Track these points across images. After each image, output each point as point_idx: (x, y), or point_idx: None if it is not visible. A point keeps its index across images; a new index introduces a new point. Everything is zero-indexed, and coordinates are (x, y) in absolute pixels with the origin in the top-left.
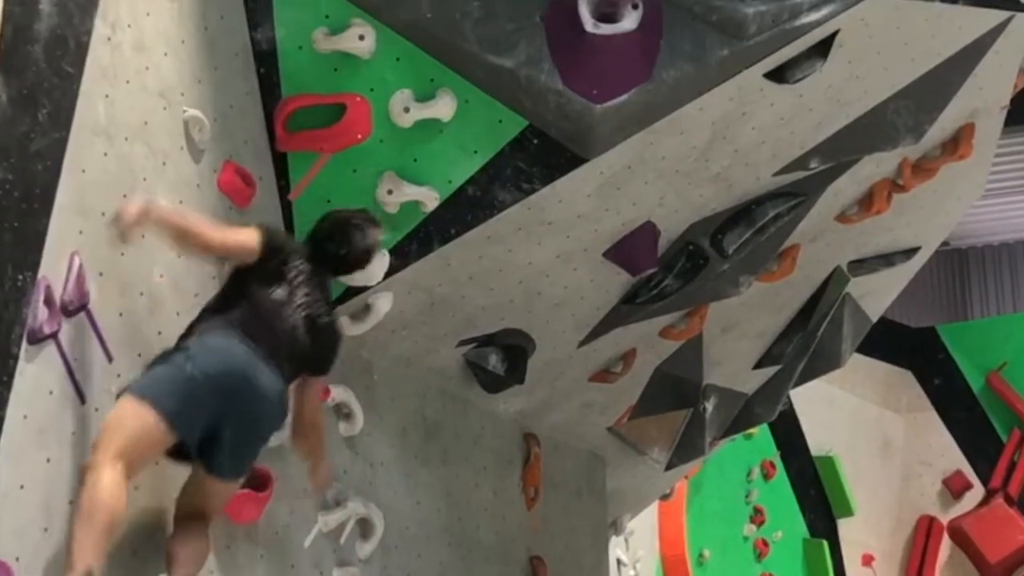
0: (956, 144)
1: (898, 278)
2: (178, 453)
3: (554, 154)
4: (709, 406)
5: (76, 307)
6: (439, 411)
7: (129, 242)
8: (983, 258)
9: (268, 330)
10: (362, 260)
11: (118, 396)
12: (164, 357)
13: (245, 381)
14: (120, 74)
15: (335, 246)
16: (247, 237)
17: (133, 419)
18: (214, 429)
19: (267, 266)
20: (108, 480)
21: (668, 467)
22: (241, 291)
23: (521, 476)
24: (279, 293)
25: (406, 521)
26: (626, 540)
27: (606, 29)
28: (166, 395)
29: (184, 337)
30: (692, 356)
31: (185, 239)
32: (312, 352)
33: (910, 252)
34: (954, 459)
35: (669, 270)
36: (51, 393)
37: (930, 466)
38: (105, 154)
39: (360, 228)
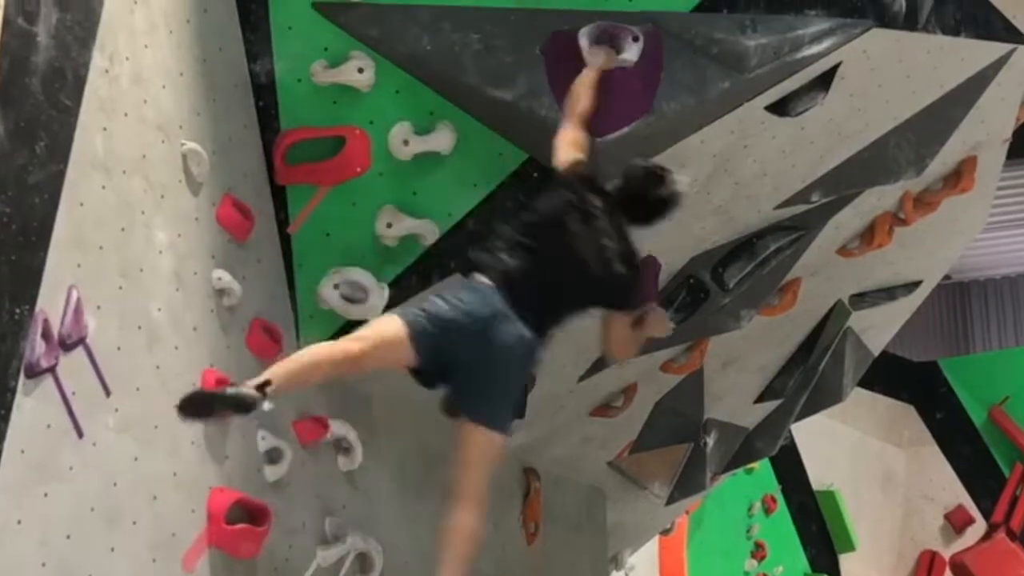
0: (958, 177)
1: (900, 312)
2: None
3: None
4: (710, 440)
5: (74, 341)
6: (439, 445)
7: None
8: (985, 292)
9: (540, 286)
10: (669, 204)
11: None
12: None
13: (479, 333)
14: (118, 107)
15: (648, 189)
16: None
17: (385, 322)
18: (449, 369)
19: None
20: (336, 347)
21: (669, 502)
22: (522, 227)
23: (521, 510)
24: (573, 229)
25: (405, 556)
26: (627, 575)
27: None
28: (418, 323)
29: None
30: (693, 390)
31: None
32: (605, 289)
33: (912, 286)
34: (956, 493)
35: (670, 303)
36: (49, 427)
37: (932, 500)
38: (103, 187)
39: (663, 176)
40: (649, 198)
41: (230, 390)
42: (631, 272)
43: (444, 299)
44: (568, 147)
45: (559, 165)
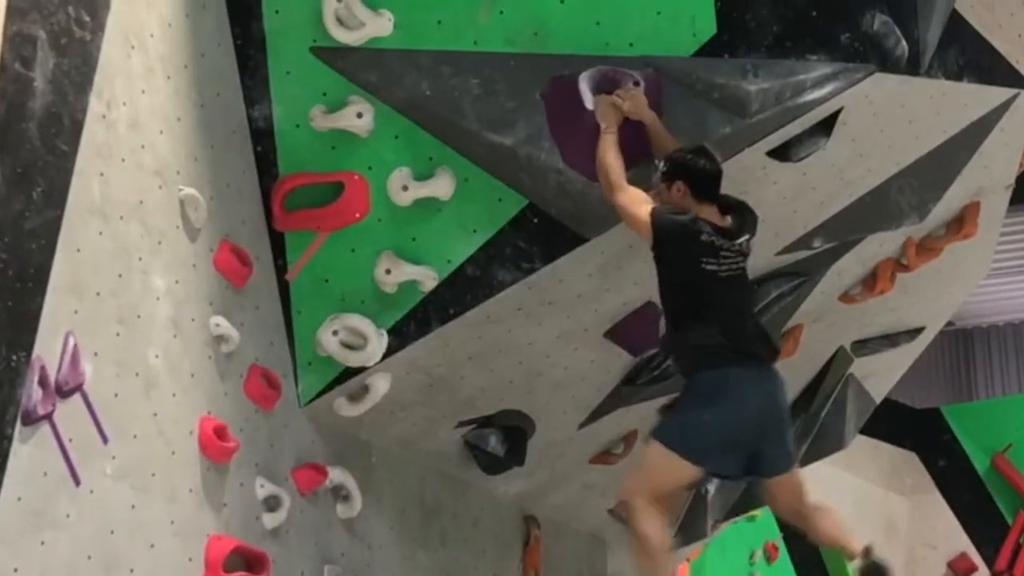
0: (961, 223)
1: (902, 358)
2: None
3: (554, 233)
4: (711, 488)
5: (71, 388)
6: (438, 493)
7: None
8: (988, 338)
9: (733, 315)
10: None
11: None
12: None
13: (763, 413)
14: (115, 152)
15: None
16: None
17: (666, 463)
18: (753, 452)
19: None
20: (652, 521)
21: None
22: (687, 287)
23: (521, 559)
24: (712, 263)
25: None
26: None
27: None
28: (692, 442)
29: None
30: None
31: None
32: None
33: (914, 332)
34: (959, 541)
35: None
36: (45, 475)
37: (935, 549)
38: (100, 233)
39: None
40: (718, 171)
41: None
42: (754, 233)
43: (719, 412)
44: (639, 206)
45: (646, 228)
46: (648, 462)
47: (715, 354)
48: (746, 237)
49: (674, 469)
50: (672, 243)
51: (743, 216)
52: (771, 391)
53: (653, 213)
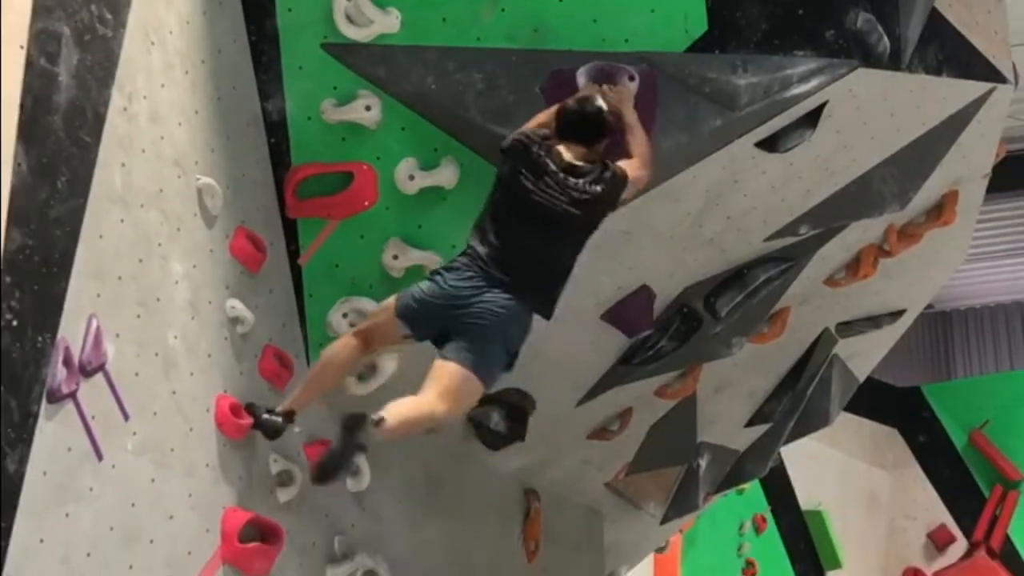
0: (940, 211)
1: (884, 339)
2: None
3: None
4: (703, 462)
5: (94, 367)
6: (443, 468)
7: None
8: (966, 320)
9: (508, 245)
10: (596, 122)
11: None
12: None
13: (455, 307)
14: (136, 143)
15: (578, 115)
16: (381, 315)
17: (380, 309)
18: (440, 332)
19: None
20: (339, 342)
21: (663, 521)
22: (491, 207)
23: (522, 530)
24: (526, 185)
25: (411, 574)
26: None
27: None
28: (404, 303)
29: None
30: (686, 415)
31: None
32: (584, 218)
33: (896, 314)
34: (938, 513)
35: (664, 332)
36: (70, 450)
37: (915, 520)
38: (121, 220)
39: (587, 99)
40: (586, 111)
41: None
42: (602, 189)
43: (431, 279)
44: (533, 121)
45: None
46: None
47: (471, 256)
48: (581, 181)
49: (385, 314)
50: (510, 145)
51: (597, 170)
52: (485, 303)
53: (525, 126)
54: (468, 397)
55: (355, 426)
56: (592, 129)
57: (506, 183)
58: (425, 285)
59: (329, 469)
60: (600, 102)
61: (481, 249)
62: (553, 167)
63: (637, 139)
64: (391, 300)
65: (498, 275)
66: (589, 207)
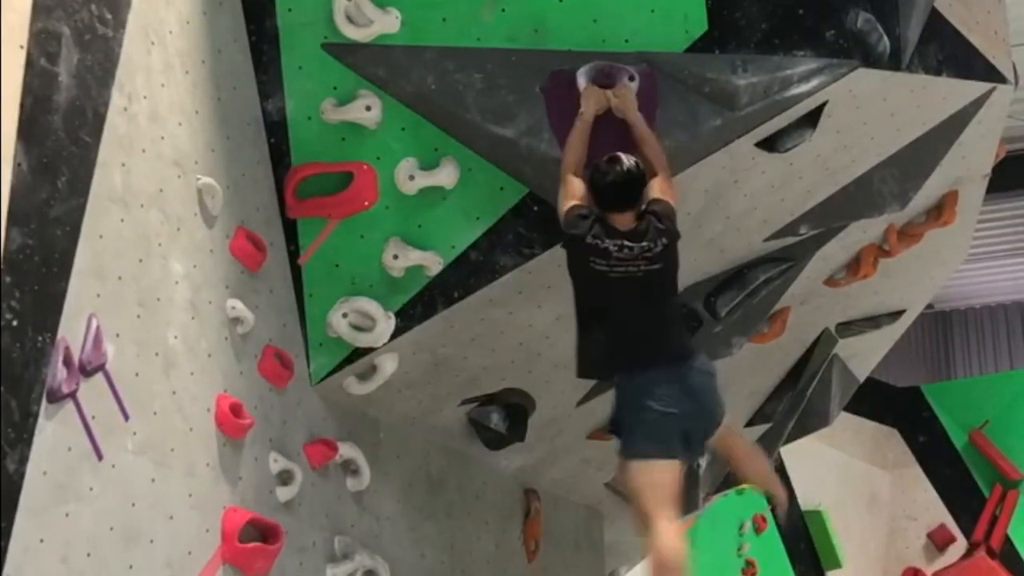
0: (940, 211)
1: (884, 339)
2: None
3: (554, 220)
4: (703, 462)
5: (94, 367)
6: (443, 467)
7: None
8: (966, 320)
9: (628, 328)
10: (635, 180)
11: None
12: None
13: (672, 406)
14: (136, 143)
15: (613, 175)
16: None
17: (658, 475)
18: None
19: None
20: (675, 544)
21: None
22: (582, 285)
23: (522, 530)
24: (601, 262)
25: (411, 573)
26: None
27: None
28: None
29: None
30: None
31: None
32: (668, 269)
33: (896, 315)
34: (938, 513)
35: None
36: (70, 450)
37: (915, 520)
38: (122, 220)
39: (615, 161)
40: (620, 178)
41: None
42: (666, 235)
43: (654, 419)
44: (566, 201)
45: (563, 213)
46: (639, 481)
47: (610, 362)
48: (645, 242)
49: (661, 472)
50: (569, 240)
51: (650, 223)
52: (679, 387)
53: (568, 211)
54: None
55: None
56: (631, 191)
57: (580, 271)
58: (642, 413)
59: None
60: (626, 161)
61: (609, 360)
62: (614, 248)
63: (648, 142)
64: (665, 464)
65: (650, 357)
66: (663, 257)
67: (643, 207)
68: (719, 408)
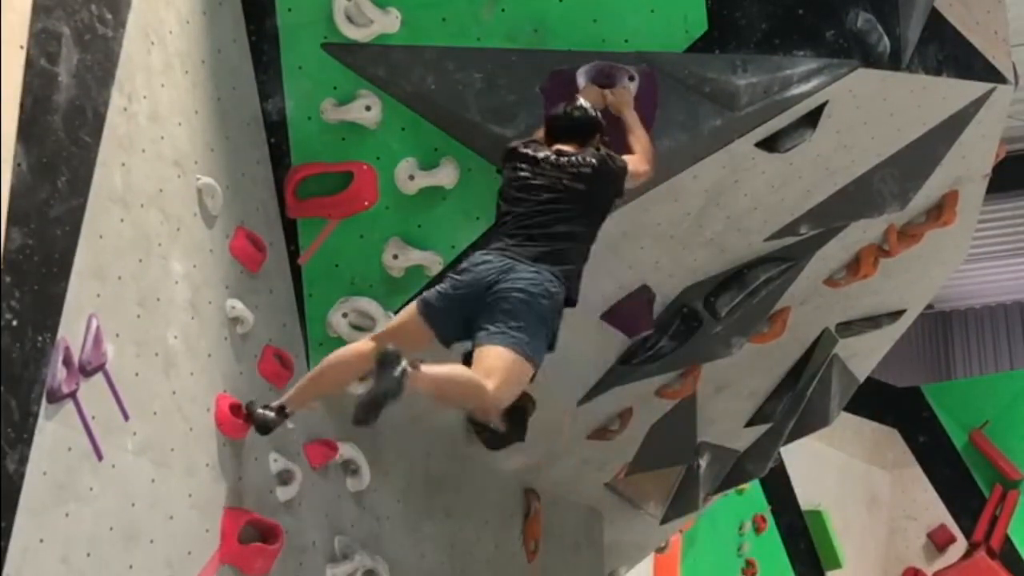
0: (940, 211)
1: (884, 339)
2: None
3: None
4: (703, 463)
5: (94, 367)
6: (443, 467)
7: None
8: (966, 320)
9: (520, 223)
10: (587, 127)
11: None
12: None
13: (485, 289)
14: (136, 143)
15: (565, 119)
16: (402, 316)
17: (400, 315)
18: (468, 326)
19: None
20: (352, 345)
21: (663, 521)
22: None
23: (522, 530)
24: (524, 175)
25: (411, 573)
26: None
27: None
28: (426, 302)
29: None
30: (686, 415)
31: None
32: (590, 194)
33: (896, 315)
34: (938, 514)
35: (664, 332)
36: (70, 450)
37: (915, 520)
38: (121, 220)
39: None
40: (572, 116)
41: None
42: (602, 166)
43: (450, 277)
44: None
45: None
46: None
47: (490, 248)
48: (575, 157)
49: (405, 315)
50: (504, 158)
51: (595, 151)
52: (517, 278)
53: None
54: (519, 378)
55: (388, 363)
56: (581, 130)
57: (507, 182)
58: (445, 283)
59: (368, 407)
60: (583, 102)
61: (499, 241)
62: (544, 153)
63: (638, 136)
64: (411, 305)
65: (522, 253)
66: (591, 180)
67: (595, 146)
68: (525, 317)
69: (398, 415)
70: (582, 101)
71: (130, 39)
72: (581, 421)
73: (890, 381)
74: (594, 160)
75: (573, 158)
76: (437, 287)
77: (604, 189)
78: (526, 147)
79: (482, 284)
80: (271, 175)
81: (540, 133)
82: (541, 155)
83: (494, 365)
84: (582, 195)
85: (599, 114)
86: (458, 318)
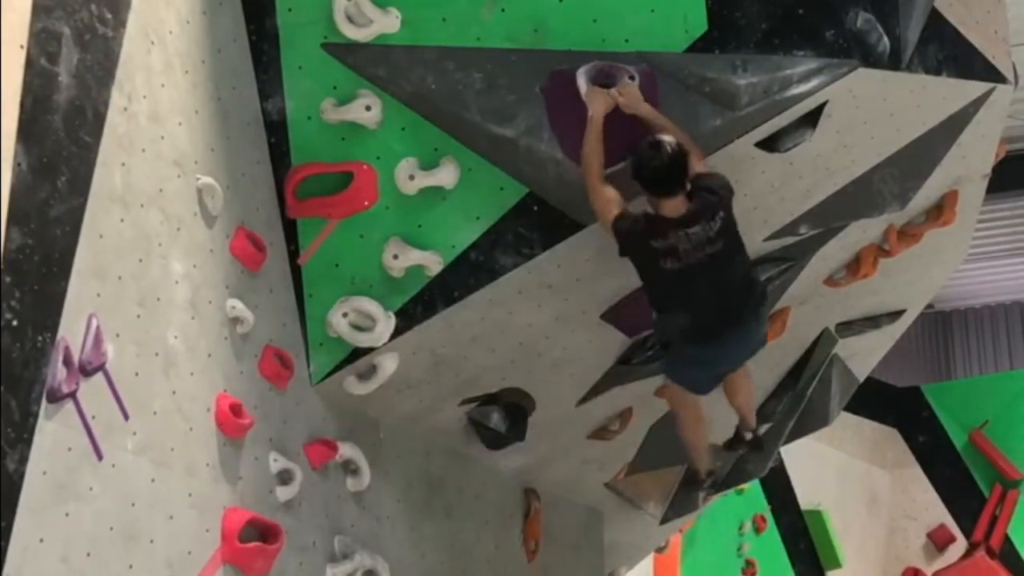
0: (940, 211)
1: (884, 339)
2: None
3: (554, 220)
4: None
5: (94, 367)
6: (443, 467)
7: None
8: (965, 320)
9: (708, 306)
10: (680, 161)
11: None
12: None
13: (721, 365)
14: (136, 143)
15: (660, 162)
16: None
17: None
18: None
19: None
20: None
21: (663, 521)
22: (655, 282)
23: (522, 530)
24: (670, 260)
25: (411, 573)
26: None
27: None
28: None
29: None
30: None
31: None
32: (732, 237)
33: (895, 314)
34: (938, 513)
35: None
36: (70, 450)
37: (915, 520)
38: (121, 220)
39: (657, 146)
40: (667, 164)
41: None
42: (722, 212)
43: (697, 367)
44: (608, 210)
45: (610, 226)
46: (677, 400)
47: (688, 337)
48: (702, 224)
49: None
50: (629, 249)
51: (702, 200)
52: (734, 346)
53: (615, 223)
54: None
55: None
56: (678, 171)
57: (651, 272)
58: (689, 376)
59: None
60: (667, 145)
61: (686, 335)
62: (677, 238)
63: (666, 127)
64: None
65: (724, 325)
66: (723, 231)
67: (689, 185)
68: (760, 341)
69: (397, 415)
70: (663, 141)
71: (130, 39)
72: (581, 421)
73: (890, 381)
74: (721, 216)
75: (704, 231)
76: (699, 381)
77: (730, 221)
78: (644, 233)
79: (739, 353)
80: (271, 175)
81: (615, 195)
82: (678, 245)
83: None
84: (725, 249)
85: (678, 144)
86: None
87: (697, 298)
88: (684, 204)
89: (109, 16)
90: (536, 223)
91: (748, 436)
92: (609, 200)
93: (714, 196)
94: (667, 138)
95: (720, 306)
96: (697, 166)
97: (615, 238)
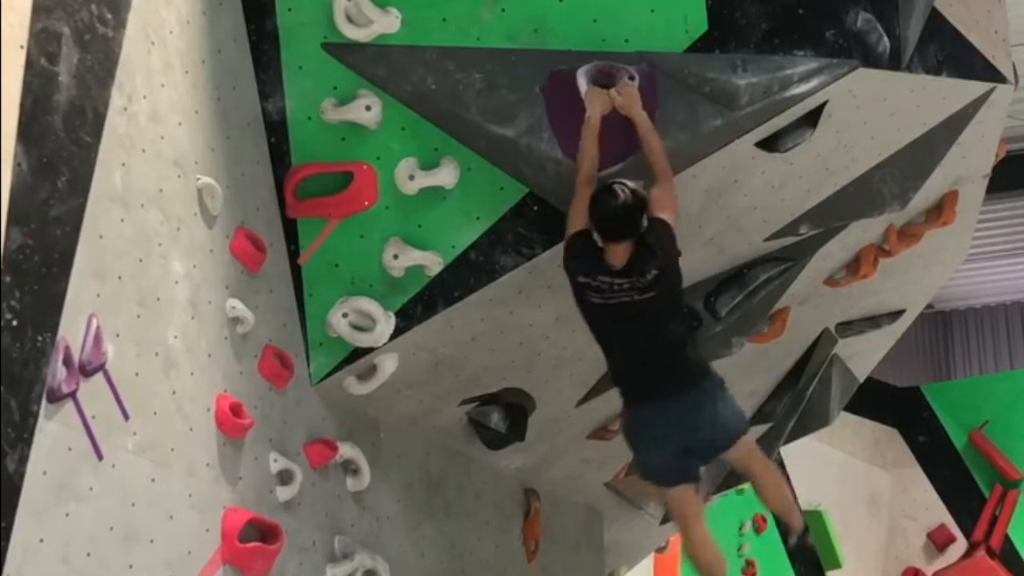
0: (940, 211)
1: (884, 339)
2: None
3: (553, 220)
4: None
5: (94, 367)
6: (443, 467)
7: None
8: (966, 320)
9: (631, 357)
10: (632, 210)
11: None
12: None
13: (670, 440)
14: (136, 143)
15: (608, 210)
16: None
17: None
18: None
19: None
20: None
21: (663, 521)
22: (586, 315)
23: (522, 530)
24: (596, 296)
25: (411, 573)
26: None
27: None
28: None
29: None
30: None
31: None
32: (663, 295)
33: (896, 314)
34: (938, 513)
35: None
36: (70, 450)
37: (915, 520)
38: (122, 220)
39: (612, 194)
40: (615, 214)
41: None
42: (660, 263)
43: (653, 446)
44: (578, 216)
45: (567, 237)
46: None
47: (625, 392)
48: (633, 279)
49: (674, 493)
50: (568, 270)
51: (641, 253)
52: (676, 417)
53: (572, 237)
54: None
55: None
56: (628, 222)
57: (580, 299)
58: (645, 453)
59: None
60: (621, 194)
61: (630, 389)
62: (607, 283)
63: (652, 147)
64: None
65: (655, 388)
66: (657, 283)
67: (642, 230)
68: (732, 422)
69: (397, 415)
70: (617, 190)
71: (130, 39)
72: (581, 421)
73: (890, 381)
74: (655, 270)
75: (633, 282)
76: (642, 459)
77: (667, 277)
78: (586, 276)
79: (682, 436)
80: (271, 175)
81: (585, 215)
82: (604, 287)
83: (758, 455)
84: (654, 300)
85: (634, 192)
86: (685, 460)
87: (621, 344)
88: (627, 253)
89: (109, 16)
90: (536, 223)
91: (793, 540)
92: (580, 213)
93: (654, 252)
94: (625, 185)
95: (643, 361)
96: (662, 200)
97: (564, 250)
